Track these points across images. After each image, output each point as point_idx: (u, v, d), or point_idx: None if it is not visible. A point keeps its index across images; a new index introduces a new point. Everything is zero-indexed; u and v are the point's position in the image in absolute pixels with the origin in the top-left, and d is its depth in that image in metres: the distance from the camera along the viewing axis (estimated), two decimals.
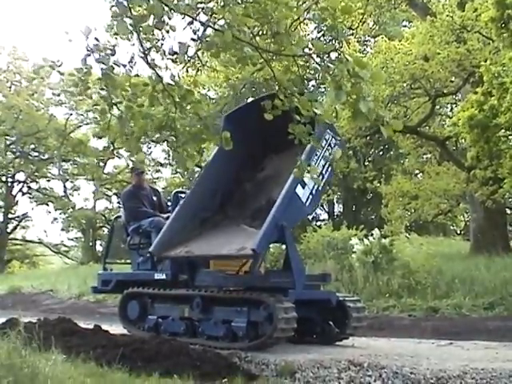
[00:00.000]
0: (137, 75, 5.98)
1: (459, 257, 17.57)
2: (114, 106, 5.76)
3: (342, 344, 8.51)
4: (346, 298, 8.66)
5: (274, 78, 5.70)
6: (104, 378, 5.77)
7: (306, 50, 5.51)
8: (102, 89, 5.70)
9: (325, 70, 5.32)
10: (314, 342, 8.52)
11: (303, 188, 7.90)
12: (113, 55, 5.58)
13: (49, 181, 40.11)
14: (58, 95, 36.41)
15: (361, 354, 7.27)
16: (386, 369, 6.39)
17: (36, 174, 38.63)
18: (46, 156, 38.39)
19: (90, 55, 5.50)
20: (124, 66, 5.84)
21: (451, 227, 34.24)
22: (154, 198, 9.88)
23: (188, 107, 6.03)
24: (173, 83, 5.87)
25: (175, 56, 5.73)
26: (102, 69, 5.56)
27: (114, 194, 39.22)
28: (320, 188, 8.29)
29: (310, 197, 8.04)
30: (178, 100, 5.88)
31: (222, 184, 8.96)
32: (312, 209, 8.63)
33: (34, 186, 39.86)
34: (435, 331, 10.36)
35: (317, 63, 5.46)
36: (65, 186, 38.97)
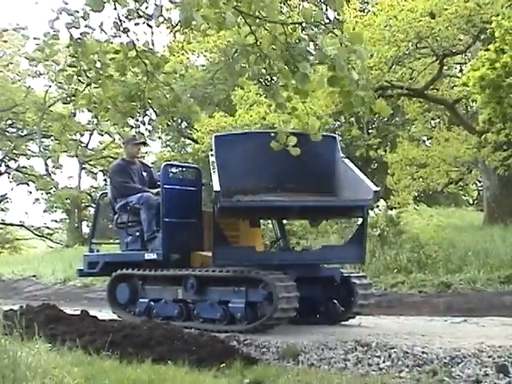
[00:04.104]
0: (108, 41, 5.90)
1: (472, 228, 17.55)
2: (83, 73, 5.70)
3: (347, 324, 8.52)
4: (351, 275, 8.64)
5: (256, 44, 5.64)
6: (92, 367, 5.74)
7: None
8: (72, 56, 5.62)
9: (311, 39, 5.25)
10: (318, 322, 8.54)
11: None
12: (85, 19, 5.48)
13: (29, 159, 40.01)
14: (36, 66, 35.66)
15: (368, 333, 7.27)
16: (396, 348, 6.38)
17: (14, 151, 38.43)
18: (25, 132, 38.22)
19: (58, 18, 5.40)
20: (104, 31, 5.75)
21: (463, 197, 34.22)
22: (144, 174, 9.81)
23: (160, 77, 5.98)
24: (146, 49, 5.81)
25: (152, 20, 5.65)
26: (71, 35, 5.46)
27: (100, 171, 39.08)
28: None
29: None
30: (150, 69, 5.83)
31: None
32: None
33: (12, 164, 39.80)
34: (448, 308, 10.39)
35: (306, 34, 5.38)
36: (46, 164, 38.54)
